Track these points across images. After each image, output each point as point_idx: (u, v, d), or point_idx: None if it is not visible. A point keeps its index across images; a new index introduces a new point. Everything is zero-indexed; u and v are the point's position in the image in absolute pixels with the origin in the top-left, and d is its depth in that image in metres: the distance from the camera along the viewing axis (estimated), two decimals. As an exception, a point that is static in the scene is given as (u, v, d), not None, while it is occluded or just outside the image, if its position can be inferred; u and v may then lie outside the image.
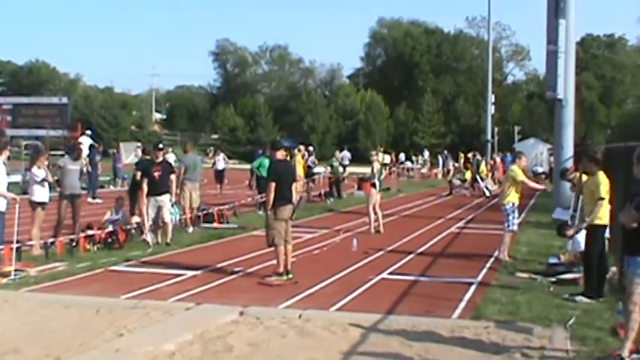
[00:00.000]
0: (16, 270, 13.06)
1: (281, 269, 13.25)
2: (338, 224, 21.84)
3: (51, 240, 15.71)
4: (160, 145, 18.26)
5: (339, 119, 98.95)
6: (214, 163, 36.04)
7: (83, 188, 19.57)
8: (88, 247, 16.24)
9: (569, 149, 24.49)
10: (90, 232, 16.74)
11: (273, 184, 13.24)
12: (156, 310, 10.64)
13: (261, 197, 21.74)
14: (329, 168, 35.43)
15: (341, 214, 25.63)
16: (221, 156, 36.62)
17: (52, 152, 29.72)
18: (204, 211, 21.90)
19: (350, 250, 16.66)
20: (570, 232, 13.18)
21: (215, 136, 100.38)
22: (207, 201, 25.52)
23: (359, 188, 35.74)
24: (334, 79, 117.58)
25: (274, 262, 13.43)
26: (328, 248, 17.31)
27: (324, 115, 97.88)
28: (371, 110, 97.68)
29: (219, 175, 35.60)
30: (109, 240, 16.77)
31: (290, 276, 13.21)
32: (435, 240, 19.00)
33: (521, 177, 15.62)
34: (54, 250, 15.54)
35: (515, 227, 15.76)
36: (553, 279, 13.02)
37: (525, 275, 13.61)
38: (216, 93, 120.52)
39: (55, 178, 16.93)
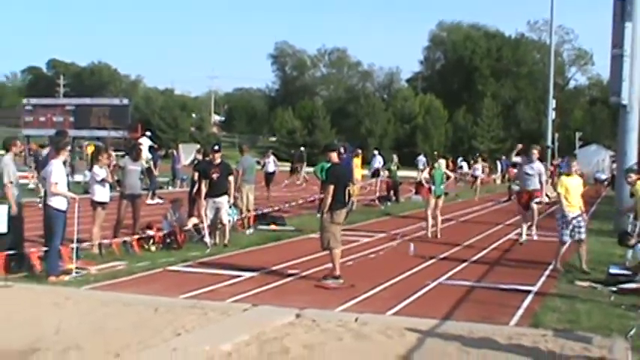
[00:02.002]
0: (77, 268, 13.28)
1: (337, 272, 13.24)
2: (395, 228, 21.77)
3: (111, 239, 15.95)
4: (217, 147, 18.38)
5: (397, 123, 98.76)
6: (264, 166, 35.90)
7: (144, 189, 19.79)
8: (147, 246, 16.46)
9: (632, 156, 24.01)
10: (149, 233, 16.95)
11: (332, 187, 13.23)
12: (213, 310, 10.72)
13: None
14: (386, 172, 35.31)
15: (398, 219, 25.53)
16: (271, 158, 36.46)
17: (114, 152, 30.23)
18: (261, 212, 22.07)
19: (407, 255, 16.60)
20: (632, 241, 12.94)
21: (273, 139, 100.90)
22: (258, 203, 25.62)
23: (416, 192, 35.59)
24: (392, 83, 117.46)
25: (330, 265, 13.44)
26: (385, 252, 17.26)
27: (382, 119, 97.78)
28: (429, 114, 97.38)
29: (269, 178, 35.38)
30: (168, 240, 16.96)
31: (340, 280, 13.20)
32: (493, 246, 18.83)
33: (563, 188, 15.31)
34: (114, 249, 15.77)
35: (566, 238, 15.23)
36: (614, 288, 12.78)
37: (585, 284, 13.40)
38: (274, 95, 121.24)
39: (116, 178, 17.18)
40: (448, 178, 22.27)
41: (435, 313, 10.79)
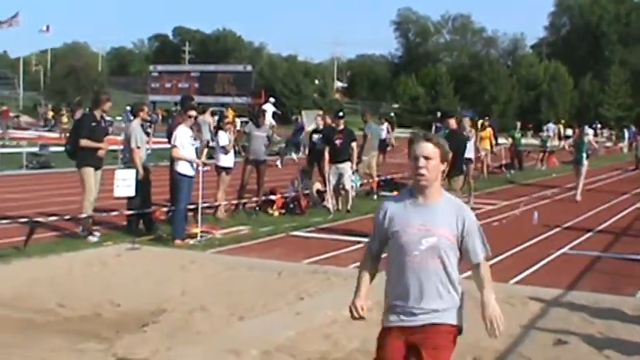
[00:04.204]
0: (202, 232, 13.52)
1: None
2: (518, 196, 21.33)
3: (235, 204, 16.21)
4: (341, 114, 18.32)
5: (522, 90, 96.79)
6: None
7: (275, 153, 20.00)
8: (270, 212, 16.63)
9: None
10: (272, 197, 17.12)
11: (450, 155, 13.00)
12: (336, 275, 10.72)
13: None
14: (510, 139, 34.62)
15: (522, 186, 25.05)
16: (384, 125, 35.94)
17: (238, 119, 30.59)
18: (384, 179, 22.03)
19: (530, 223, 16.24)
20: None
21: (395, 105, 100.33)
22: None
23: (541, 160, 34.85)
24: (517, 49, 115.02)
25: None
26: (508, 220, 16.95)
27: (507, 86, 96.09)
28: (555, 81, 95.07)
29: (382, 145, 34.76)
30: (292, 206, 17.09)
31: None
32: (619, 216, 18.25)
33: None
34: (238, 213, 16.00)
35: None
36: None
37: None
38: (397, 62, 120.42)
39: (241, 144, 17.39)
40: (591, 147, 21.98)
41: (558, 283, 10.53)
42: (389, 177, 22.63)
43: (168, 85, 64.79)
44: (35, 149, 28.47)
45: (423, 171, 4.51)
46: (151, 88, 68.15)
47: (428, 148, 4.55)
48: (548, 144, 36.64)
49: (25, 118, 54.81)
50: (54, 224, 13.92)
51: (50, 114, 53.50)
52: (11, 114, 41.22)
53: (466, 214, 4.59)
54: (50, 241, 12.95)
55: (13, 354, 6.99)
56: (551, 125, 44.90)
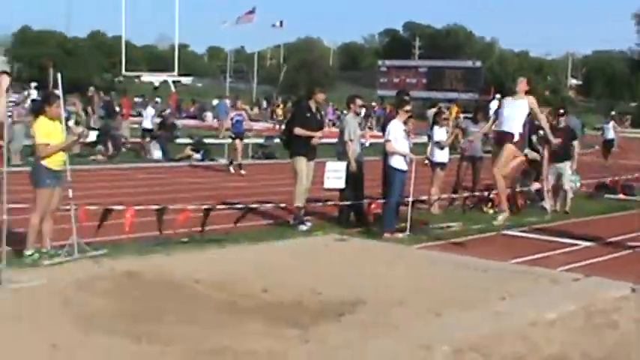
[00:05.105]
0: (412, 227, 13.53)
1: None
2: None
3: (448, 200, 16.12)
4: (562, 111, 17.70)
5: None
6: (603, 132, 33.49)
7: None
8: (485, 209, 16.39)
9: None
10: (488, 195, 16.84)
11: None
12: (543, 277, 10.44)
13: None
14: None
15: None
16: (610, 124, 33.86)
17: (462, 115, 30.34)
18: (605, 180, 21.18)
19: None
20: None
21: (633, 104, 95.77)
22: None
23: None
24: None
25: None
26: None
27: None
28: None
29: (608, 145, 32.91)
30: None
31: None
32: None
33: None
34: (451, 210, 15.91)
35: None
36: None
37: None
38: (637, 58, 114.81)
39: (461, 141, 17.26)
40: None
41: None
42: (606, 179, 21.61)
43: (396, 80, 65.26)
44: (261, 140, 29.66)
45: None
46: (379, 83, 68.94)
47: None
48: None
49: (255, 111, 56.92)
50: (269, 212, 14.44)
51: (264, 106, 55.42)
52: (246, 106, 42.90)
53: None
54: (263, 229, 13.45)
55: (213, 334, 7.32)
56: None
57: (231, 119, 24.17)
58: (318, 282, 9.49)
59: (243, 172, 22.83)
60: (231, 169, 23.10)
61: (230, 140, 24.48)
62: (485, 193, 16.82)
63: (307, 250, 11.56)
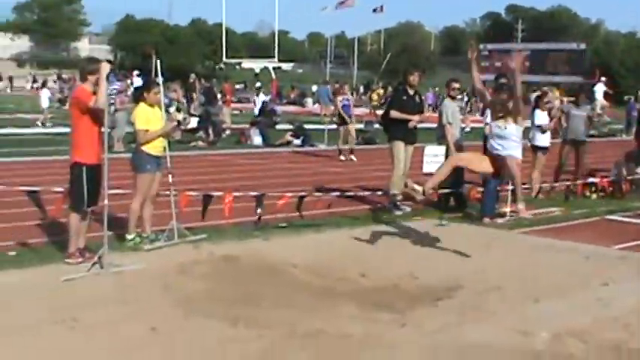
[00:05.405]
0: (511, 211, 13.32)
1: None
2: None
3: (550, 185, 15.82)
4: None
5: None
6: None
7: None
8: (587, 194, 16.03)
9: None
10: (591, 180, 16.47)
11: None
12: (647, 263, 10.19)
13: None
14: None
15: None
16: None
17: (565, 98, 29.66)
18: None
19: None
20: None
21: None
22: None
23: None
24: None
25: None
26: None
27: None
28: None
29: None
30: (611, 189, 16.34)
31: None
32: None
33: None
34: (552, 194, 15.62)
35: None
36: None
37: None
38: None
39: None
40: None
41: None
42: None
43: (498, 64, 64.30)
44: (360, 126, 29.57)
45: None
46: (481, 67, 68.23)
47: None
48: None
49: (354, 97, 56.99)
50: (367, 198, 14.45)
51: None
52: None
53: None
54: (361, 214, 13.44)
55: (310, 318, 7.37)
56: None
57: (340, 103, 23.84)
58: (416, 266, 9.45)
59: (353, 157, 22.61)
60: (341, 155, 22.96)
61: (335, 126, 24.50)
62: (590, 179, 16.45)
63: (406, 234, 11.51)
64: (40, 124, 31.82)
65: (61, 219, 10.29)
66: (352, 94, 26.35)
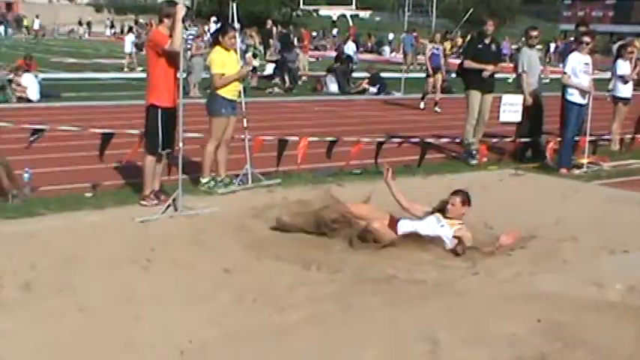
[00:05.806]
0: (589, 163, 13.12)
1: None
2: None
3: (630, 136, 15.50)
4: None
5: None
6: None
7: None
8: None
9: None
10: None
11: None
12: None
13: None
14: None
15: None
16: None
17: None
18: None
19: None
20: None
21: None
22: None
23: None
24: None
25: None
26: None
27: None
28: None
29: None
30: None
31: None
32: None
33: None
34: (632, 146, 15.32)
35: None
36: None
37: None
38: None
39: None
40: None
41: None
42: None
43: (581, 14, 62.76)
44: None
45: None
46: (563, 17, 66.63)
47: None
48: None
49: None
50: (444, 146, 14.36)
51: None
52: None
53: None
54: (437, 162, 13.40)
55: (381, 264, 7.40)
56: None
57: (429, 52, 23.28)
58: (490, 216, 9.35)
59: (437, 109, 22.16)
60: (422, 104, 22.64)
61: (422, 75, 24.10)
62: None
63: (481, 184, 11.35)
64: (127, 69, 32.28)
65: (138, 162, 10.46)
66: (441, 42, 25.63)
